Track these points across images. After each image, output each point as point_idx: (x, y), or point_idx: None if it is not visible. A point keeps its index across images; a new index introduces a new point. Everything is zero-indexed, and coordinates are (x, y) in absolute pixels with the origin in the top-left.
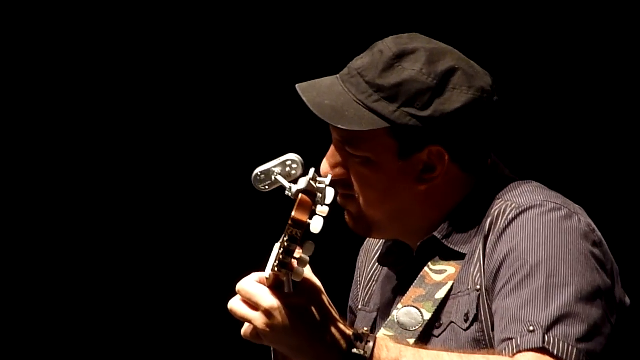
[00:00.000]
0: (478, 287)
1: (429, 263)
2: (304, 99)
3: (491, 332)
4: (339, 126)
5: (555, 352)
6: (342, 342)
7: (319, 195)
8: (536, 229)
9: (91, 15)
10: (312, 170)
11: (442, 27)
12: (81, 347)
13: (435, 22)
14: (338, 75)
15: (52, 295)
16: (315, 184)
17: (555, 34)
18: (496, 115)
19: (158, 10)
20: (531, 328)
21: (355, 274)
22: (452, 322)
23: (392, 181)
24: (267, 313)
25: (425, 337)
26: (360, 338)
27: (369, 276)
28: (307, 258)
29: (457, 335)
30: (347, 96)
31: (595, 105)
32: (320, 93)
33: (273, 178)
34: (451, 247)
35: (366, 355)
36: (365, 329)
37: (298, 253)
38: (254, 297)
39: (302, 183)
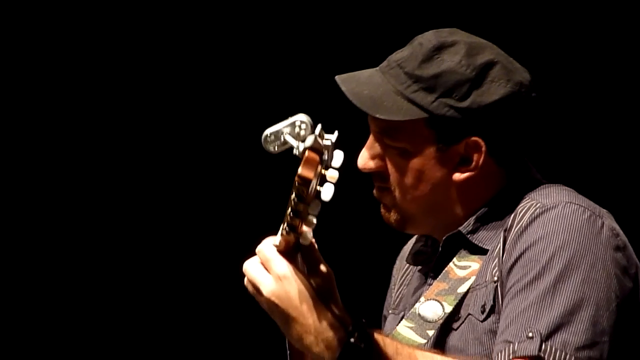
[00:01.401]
0: (495, 279)
1: (454, 259)
2: (343, 89)
3: None
4: (377, 116)
5: None
6: (341, 330)
7: (326, 152)
8: (555, 230)
9: (91, 15)
10: (318, 127)
11: (479, 26)
12: (81, 347)
13: (471, 21)
14: (377, 68)
15: (52, 295)
16: (322, 140)
17: (581, 37)
18: (534, 111)
19: (164, 10)
20: (530, 334)
21: (391, 282)
22: (469, 314)
23: (429, 172)
24: (277, 279)
25: (445, 329)
26: (359, 329)
27: (401, 281)
28: (314, 219)
29: (474, 327)
30: (386, 87)
31: (623, 109)
32: (359, 84)
33: (282, 138)
34: (475, 242)
35: (362, 346)
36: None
37: (306, 212)
38: (269, 261)
39: (309, 140)
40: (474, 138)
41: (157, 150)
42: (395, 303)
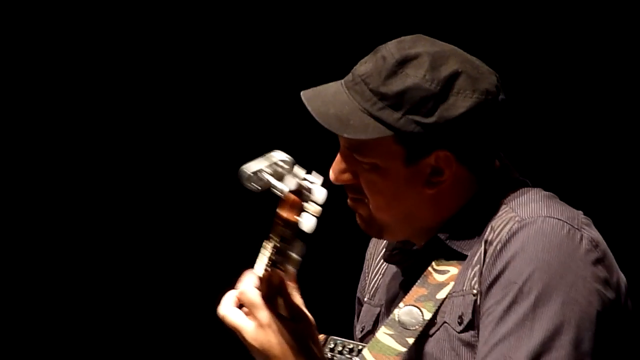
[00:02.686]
0: (474, 291)
1: (433, 263)
2: (309, 108)
3: None
4: (345, 135)
5: None
6: None
7: (307, 194)
8: (534, 248)
9: (91, 16)
10: (300, 170)
11: (445, 27)
12: (81, 347)
13: (438, 22)
14: (342, 82)
15: (52, 295)
16: (304, 182)
17: (559, 34)
18: (502, 114)
19: (158, 10)
20: None
21: (364, 265)
22: (445, 322)
23: (401, 186)
24: (260, 327)
25: (421, 335)
26: None
27: (376, 269)
28: (299, 258)
29: (449, 336)
30: (351, 104)
31: (602, 106)
32: (325, 102)
33: (264, 178)
34: (454, 248)
35: None
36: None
37: (290, 253)
38: (253, 306)
39: (291, 183)
40: (442, 151)
41: (160, 151)
42: (371, 294)
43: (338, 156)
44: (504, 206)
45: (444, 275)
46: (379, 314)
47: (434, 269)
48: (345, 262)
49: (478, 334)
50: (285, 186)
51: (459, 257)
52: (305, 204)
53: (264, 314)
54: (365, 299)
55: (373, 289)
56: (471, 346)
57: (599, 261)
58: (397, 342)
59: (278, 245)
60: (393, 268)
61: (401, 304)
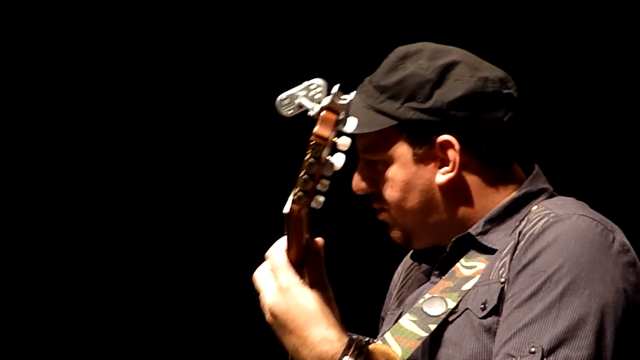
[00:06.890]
0: (502, 280)
1: (462, 259)
2: None
3: None
4: (349, 132)
5: None
6: (336, 345)
7: (342, 113)
8: (567, 240)
9: (91, 16)
10: (336, 87)
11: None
12: (81, 347)
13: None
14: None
15: (52, 295)
16: (339, 100)
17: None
18: (509, 107)
19: (159, 11)
20: (532, 349)
21: (390, 286)
22: (467, 308)
23: (412, 181)
24: (279, 291)
25: (444, 323)
26: (355, 345)
27: (402, 283)
28: (327, 182)
29: (471, 321)
30: (358, 104)
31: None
32: None
33: (297, 102)
34: (485, 244)
35: None
36: (366, 338)
37: (320, 176)
38: (276, 269)
39: (326, 100)
40: (444, 136)
41: (160, 150)
42: (395, 305)
43: (358, 165)
44: (539, 207)
45: (471, 270)
46: (400, 314)
47: (462, 265)
48: (369, 278)
49: (500, 320)
50: (319, 105)
51: (489, 251)
52: (335, 139)
53: (285, 278)
54: (389, 312)
55: (398, 300)
56: (492, 332)
57: (631, 265)
58: (419, 327)
59: (308, 167)
60: (417, 278)
61: (427, 295)
